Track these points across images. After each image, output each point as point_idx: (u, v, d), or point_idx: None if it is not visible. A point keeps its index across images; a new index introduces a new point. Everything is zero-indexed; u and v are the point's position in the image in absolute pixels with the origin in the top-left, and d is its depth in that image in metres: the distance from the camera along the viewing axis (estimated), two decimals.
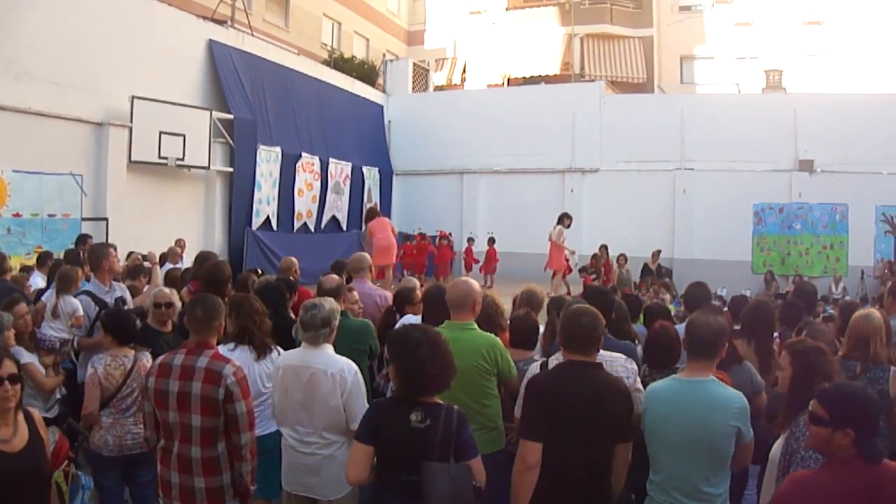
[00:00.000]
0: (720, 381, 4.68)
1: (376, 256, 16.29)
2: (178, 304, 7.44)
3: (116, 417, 6.13)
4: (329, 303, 5.64)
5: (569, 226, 19.89)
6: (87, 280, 9.47)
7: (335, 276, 7.53)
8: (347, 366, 5.37)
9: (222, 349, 5.58)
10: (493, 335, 5.80)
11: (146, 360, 6.28)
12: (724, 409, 4.49)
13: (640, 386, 5.35)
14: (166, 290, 7.44)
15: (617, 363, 5.27)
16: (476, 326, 5.76)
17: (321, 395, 5.28)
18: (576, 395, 4.49)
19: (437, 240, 24.79)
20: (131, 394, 6.17)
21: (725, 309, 10.50)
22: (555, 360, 5.12)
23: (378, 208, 19.48)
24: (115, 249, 9.51)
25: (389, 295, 9.25)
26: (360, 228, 24.93)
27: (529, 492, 4.48)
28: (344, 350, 5.65)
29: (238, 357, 5.61)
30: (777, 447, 4.42)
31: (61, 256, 11.66)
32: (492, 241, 24.62)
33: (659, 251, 24.18)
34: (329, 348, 5.51)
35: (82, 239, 13.28)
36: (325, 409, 5.27)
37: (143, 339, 6.52)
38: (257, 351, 6.00)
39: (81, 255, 10.93)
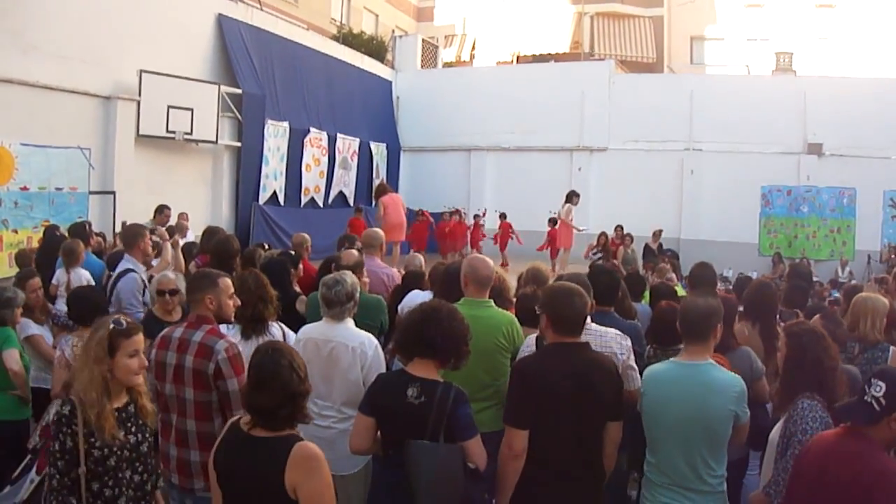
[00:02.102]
0: (718, 365, 4.68)
1: (386, 232, 16.47)
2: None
3: None
4: (350, 277, 5.70)
5: (577, 203, 19.86)
6: (99, 255, 9.57)
7: (355, 252, 7.48)
8: (368, 340, 5.42)
9: (227, 329, 5.53)
10: (509, 313, 5.81)
11: None
12: (723, 392, 4.51)
13: (633, 363, 5.43)
14: (171, 275, 6.99)
15: (611, 339, 5.29)
16: (493, 304, 5.77)
17: (342, 368, 5.34)
18: (564, 379, 4.45)
19: (450, 215, 24.64)
20: None
21: (730, 288, 10.47)
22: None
23: (387, 184, 19.51)
24: (151, 234, 9.53)
25: (396, 273, 9.26)
26: (368, 204, 24.98)
27: (515, 479, 4.47)
28: (357, 324, 5.68)
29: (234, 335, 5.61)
30: (776, 430, 4.44)
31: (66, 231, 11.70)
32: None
33: (660, 230, 24.01)
34: (350, 322, 5.57)
35: (160, 208, 13.50)
36: (345, 382, 5.31)
37: (145, 330, 6.39)
38: (247, 329, 5.83)
39: (87, 228, 10.97)
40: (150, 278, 8.23)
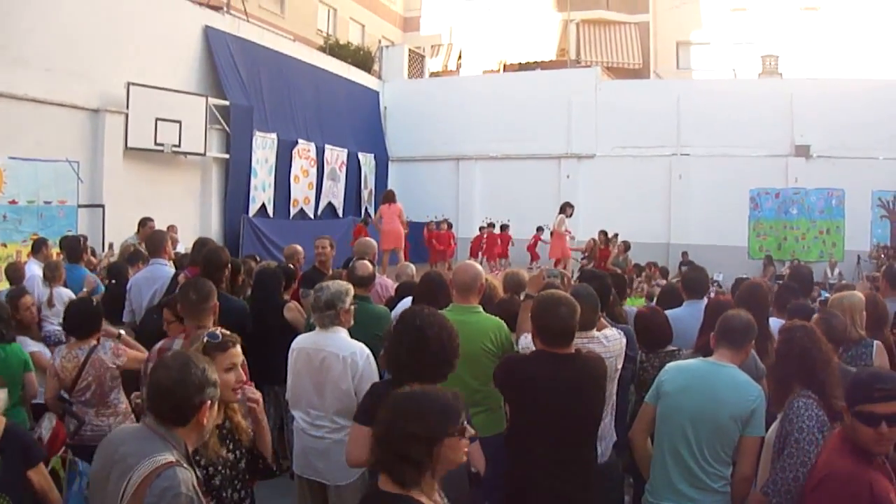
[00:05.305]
0: (743, 372, 4.72)
1: (381, 241, 17.04)
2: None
3: (79, 408, 6.02)
4: (336, 285, 5.64)
5: (570, 215, 19.90)
6: (92, 269, 9.64)
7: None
8: (360, 350, 5.36)
9: None
10: (498, 318, 5.80)
11: (104, 352, 6.18)
12: (742, 393, 4.55)
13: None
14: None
15: (613, 340, 5.26)
16: (482, 309, 5.77)
17: (333, 378, 5.30)
18: (544, 388, 4.43)
19: (437, 225, 24.67)
20: (89, 387, 6.06)
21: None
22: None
23: (392, 193, 19.72)
24: (175, 233, 9.61)
25: (391, 283, 9.26)
26: (357, 215, 25.14)
27: None
28: (363, 335, 5.64)
29: None
30: (772, 430, 4.45)
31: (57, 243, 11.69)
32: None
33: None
34: (342, 332, 5.51)
35: (143, 221, 13.47)
36: (336, 392, 5.28)
37: None
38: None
39: (82, 243, 10.97)
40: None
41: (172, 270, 8.23)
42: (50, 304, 8.85)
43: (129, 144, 17.55)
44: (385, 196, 19.50)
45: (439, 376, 4.30)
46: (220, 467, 3.93)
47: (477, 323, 5.59)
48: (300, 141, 23.68)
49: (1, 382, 4.99)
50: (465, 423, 3.15)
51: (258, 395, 4.14)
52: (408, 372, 4.31)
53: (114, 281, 9.37)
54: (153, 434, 3.14)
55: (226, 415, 4.04)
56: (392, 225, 18.11)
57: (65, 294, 8.97)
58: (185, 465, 3.07)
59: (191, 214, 19.79)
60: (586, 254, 21.63)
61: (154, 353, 5.10)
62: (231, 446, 4.05)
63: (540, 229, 23.10)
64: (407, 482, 2.97)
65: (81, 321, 6.34)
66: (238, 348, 4.10)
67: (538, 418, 4.44)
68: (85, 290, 9.63)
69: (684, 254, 24.24)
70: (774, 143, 25.37)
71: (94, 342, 6.23)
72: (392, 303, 7.94)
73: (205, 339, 3.96)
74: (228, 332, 4.11)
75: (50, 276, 9.23)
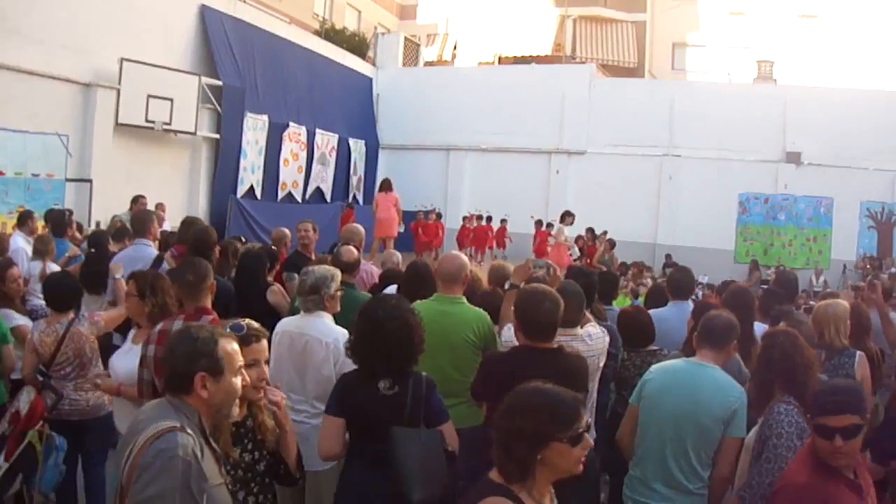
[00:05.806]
0: (725, 373, 4.73)
1: (375, 228, 17.10)
2: None
3: (58, 382, 5.97)
4: (321, 270, 5.61)
5: (571, 223, 19.82)
6: (77, 245, 9.57)
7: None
8: (343, 336, 5.30)
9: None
10: (481, 309, 5.79)
11: (82, 326, 6.14)
12: (724, 393, 4.56)
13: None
14: None
15: (597, 338, 5.25)
16: (465, 300, 5.76)
17: (315, 363, 5.29)
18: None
19: (425, 214, 24.76)
20: (68, 361, 6.03)
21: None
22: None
23: (389, 181, 19.60)
24: (164, 211, 9.51)
25: (376, 270, 9.22)
26: (345, 201, 25.13)
27: None
28: (346, 321, 5.42)
29: None
30: (752, 434, 4.46)
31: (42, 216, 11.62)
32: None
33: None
34: (326, 317, 5.49)
35: (136, 199, 13.41)
36: (317, 377, 5.26)
37: None
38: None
39: (67, 216, 10.91)
40: None
41: (156, 252, 8.20)
42: (42, 277, 8.82)
43: (120, 120, 17.46)
44: (381, 184, 19.42)
45: (397, 371, 4.27)
46: (229, 468, 3.66)
47: (460, 314, 5.60)
48: (291, 124, 23.62)
49: None
50: (583, 431, 2.98)
51: (280, 396, 3.92)
52: (366, 363, 4.30)
53: (93, 250, 9.33)
54: (168, 405, 3.13)
55: (250, 412, 3.89)
56: (387, 213, 18.04)
57: (55, 270, 8.95)
58: (189, 431, 3.02)
59: (179, 193, 19.72)
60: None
61: (154, 334, 5.03)
62: (250, 446, 3.88)
63: (540, 223, 23.03)
64: (509, 477, 2.92)
65: (60, 294, 6.31)
66: (263, 343, 3.93)
67: None
68: (67, 255, 9.62)
69: (668, 256, 24.33)
70: (766, 148, 25.43)
71: (72, 315, 6.20)
72: (376, 290, 7.91)
73: (227, 330, 3.60)
74: (256, 325, 3.95)
75: (42, 251, 9.19)
